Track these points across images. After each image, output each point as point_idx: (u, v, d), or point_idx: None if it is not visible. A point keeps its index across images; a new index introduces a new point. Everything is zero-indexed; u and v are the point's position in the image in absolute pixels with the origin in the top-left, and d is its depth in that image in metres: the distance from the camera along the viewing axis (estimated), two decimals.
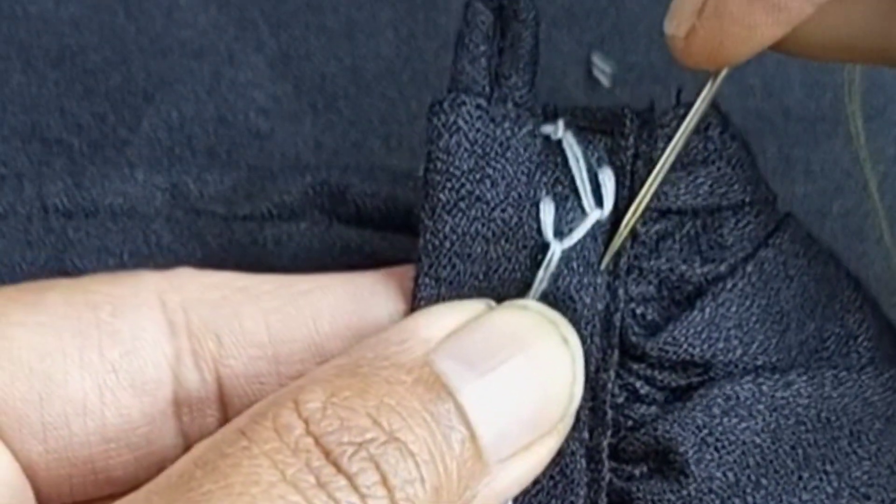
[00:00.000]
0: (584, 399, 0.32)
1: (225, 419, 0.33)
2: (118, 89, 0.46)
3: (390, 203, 0.39)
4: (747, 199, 0.33)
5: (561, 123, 0.33)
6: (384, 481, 0.28)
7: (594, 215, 0.32)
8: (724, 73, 0.33)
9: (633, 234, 0.33)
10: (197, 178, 0.42)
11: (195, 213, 0.41)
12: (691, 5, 0.33)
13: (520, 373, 0.30)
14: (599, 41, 0.47)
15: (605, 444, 0.33)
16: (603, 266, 0.32)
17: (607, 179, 0.33)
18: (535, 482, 0.32)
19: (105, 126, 0.45)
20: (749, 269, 0.33)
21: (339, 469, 0.28)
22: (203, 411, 0.33)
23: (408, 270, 0.33)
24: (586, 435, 0.33)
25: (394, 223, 0.39)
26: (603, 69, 0.46)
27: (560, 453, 0.32)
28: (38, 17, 0.47)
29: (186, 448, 0.32)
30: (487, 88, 0.33)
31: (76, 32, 0.46)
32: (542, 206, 0.32)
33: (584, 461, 0.33)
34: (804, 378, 0.32)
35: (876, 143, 0.46)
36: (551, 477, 0.32)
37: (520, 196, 0.32)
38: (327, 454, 0.28)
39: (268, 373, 0.32)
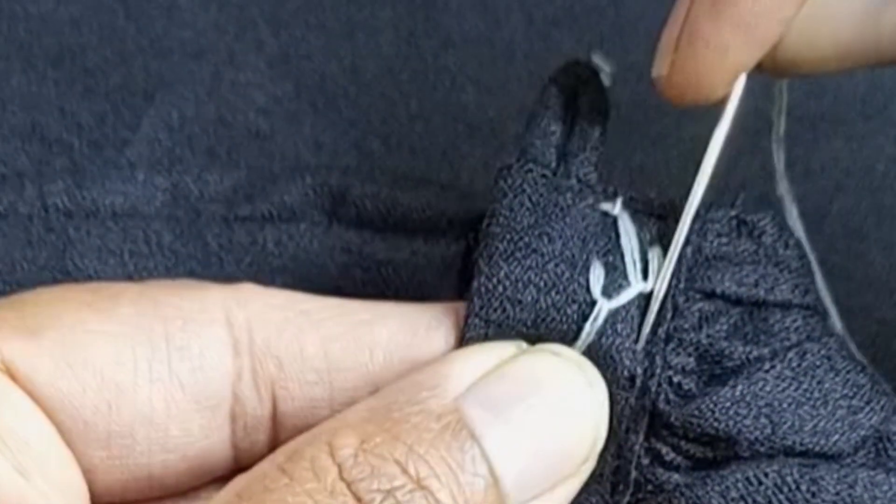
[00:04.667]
0: (610, 456, 0.33)
1: (275, 437, 0.34)
2: (118, 89, 0.46)
3: (390, 204, 0.39)
4: (794, 301, 0.34)
5: (619, 202, 0.35)
6: None
7: (639, 286, 0.34)
8: (719, 140, 0.35)
9: (675, 307, 0.34)
10: (197, 178, 0.42)
11: (195, 213, 0.41)
12: (668, 40, 0.34)
13: (545, 418, 0.31)
14: (599, 41, 0.47)
15: (624, 502, 0.33)
16: (643, 336, 0.34)
17: (655, 258, 0.34)
18: None
19: (105, 126, 0.45)
20: (791, 354, 0.34)
21: None
22: (256, 428, 0.34)
23: (463, 307, 0.34)
24: (608, 490, 0.33)
25: (394, 224, 0.39)
26: (603, 69, 0.46)
27: None
28: (38, 17, 0.47)
29: (235, 460, 0.34)
30: (554, 163, 0.35)
31: (76, 32, 0.46)
32: (592, 268, 0.34)
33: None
34: (834, 475, 0.33)
35: (876, 143, 0.46)
36: None
37: (573, 256, 0.34)
38: (359, 500, 0.29)
39: (321, 398, 0.33)
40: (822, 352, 0.34)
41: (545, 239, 0.34)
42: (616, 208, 0.35)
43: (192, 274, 0.40)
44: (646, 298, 0.34)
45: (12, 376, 0.32)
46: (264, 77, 0.46)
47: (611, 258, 0.34)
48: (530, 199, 0.34)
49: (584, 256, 0.34)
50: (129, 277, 0.40)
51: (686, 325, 0.34)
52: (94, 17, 0.47)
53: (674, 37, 0.34)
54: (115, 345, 0.32)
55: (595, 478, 0.33)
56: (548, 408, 0.31)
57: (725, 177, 0.46)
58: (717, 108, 0.47)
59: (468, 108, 0.47)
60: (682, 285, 0.34)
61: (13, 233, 0.40)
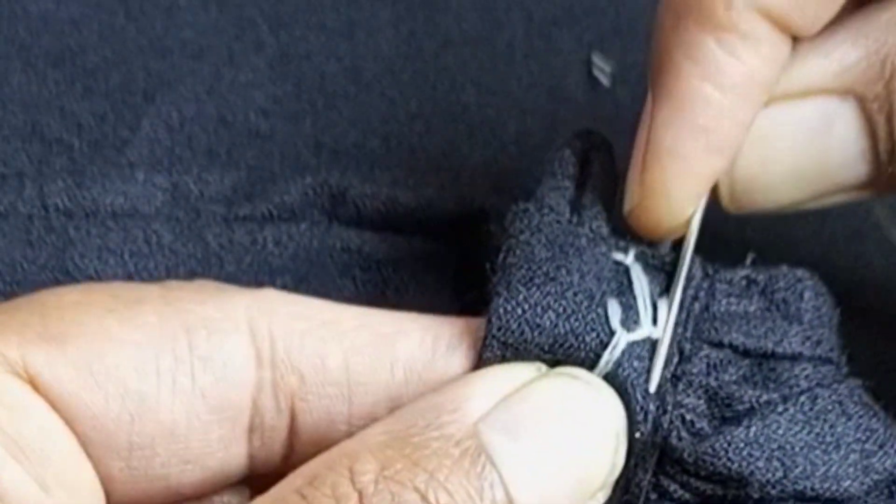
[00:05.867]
0: (619, 490, 0.33)
1: (291, 447, 0.34)
2: (118, 89, 0.46)
3: (390, 204, 0.39)
4: (805, 353, 0.35)
5: (632, 254, 0.35)
6: None
7: (650, 329, 0.34)
8: (696, 220, 0.35)
9: (682, 352, 0.34)
10: (197, 178, 0.42)
11: (195, 213, 0.41)
12: (635, 168, 0.35)
13: (563, 444, 0.31)
14: (599, 41, 0.47)
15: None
16: (653, 378, 0.34)
17: (663, 308, 0.34)
18: None
19: (105, 126, 0.45)
20: (802, 399, 0.34)
21: None
22: (273, 438, 0.34)
23: (483, 325, 0.34)
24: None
25: (393, 224, 0.39)
26: (603, 69, 0.46)
27: None
28: (38, 17, 0.47)
29: (250, 467, 0.34)
30: (567, 214, 0.35)
31: (76, 32, 0.46)
32: (610, 303, 0.34)
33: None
34: None
35: None
36: None
37: (591, 289, 0.34)
38: None
39: (340, 412, 0.33)
40: (833, 397, 0.34)
41: (563, 270, 0.34)
42: (629, 259, 0.35)
43: (192, 274, 0.40)
44: (654, 346, 0.34)
45: (34, 385, 0.31)
46: (264, 77, 0.46)
47: (624, 299, 0.34)
48: (547, 238, 0.34)
49: (601, 291, 0.34)
50: (129, 277, 0.40)
51: (694, 370, 0.34)
52: (94, 17, 0.47)
53: (640, 162, 0.35)
54: (138, 354, 0.32)
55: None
56: (567, 434, 0.32)
57: None
58: None
59: (468, 108, 0.47)
60: (688, 334, 0.34)
61: (13, 232, 0.40)
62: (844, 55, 0.34)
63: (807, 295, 0.35)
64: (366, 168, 0.45)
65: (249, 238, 0.40)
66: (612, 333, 0.33)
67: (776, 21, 0.33)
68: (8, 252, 0.40)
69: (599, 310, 0.33)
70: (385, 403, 0.33)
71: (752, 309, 0.35)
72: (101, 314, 0.32)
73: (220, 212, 0.41)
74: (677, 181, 0.34)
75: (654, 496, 0.34)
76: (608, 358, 0.33)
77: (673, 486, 0.34)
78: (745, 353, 0.35)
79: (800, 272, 0.36)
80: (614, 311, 0.34)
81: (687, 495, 0.34)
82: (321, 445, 0.32)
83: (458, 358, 0.34)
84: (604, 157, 0.36)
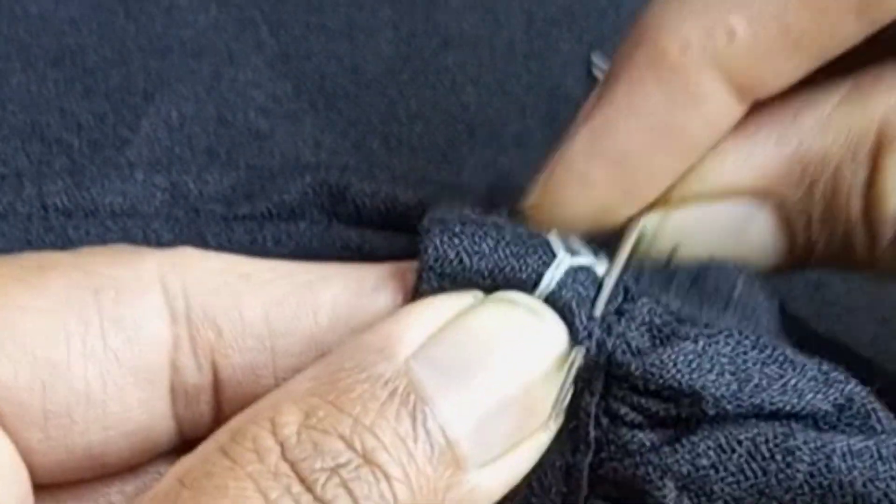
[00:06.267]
0: (566, 418, 0.32)
1: (218, 407, 0.33)
2: (118, 89, 0.46)
3: (390, 203, 0.39)
4: (744, 271, 0.34)
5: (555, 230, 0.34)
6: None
7: (592, 259, 0.33)
8: (637, 230, 0.33)
9: (626, 290, 0.33)
10: (197, 177, 0.42)
11: (195, 213, 0.41)
12: (553, 158, 0.33)
13: (501, 375, 0.30)
14: (599, 41, 0.47)
15: (585, 464, 0.32)
16: (598, 304, 0.32)
17: (602, 261, 0.33)
18: (515, 491, 0.31)
19: (105, 126, 0.45)
20: (748, 322, 0.33)
21: (314, 496, 0.28)
22: (197, 398, 0.32)
23: (412, 267, 0.33)
24: (568, 453, 0.32)
25: (393, 223, 0.39)
26: (602, 68, 0.46)
27: (540, 465, 0.31)
28: (38, 17, 0.47)
29: (179, 433, 0.33)
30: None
31: (76, 32, 0.46)
32: (551, 233, 0.33)
33: (562, 478, 0.32)
34: (810, 445, 0.31)
35: None
36: (529, 486, 0.32)
37: (530, 234, 0.33)
38: (303, 480, 0.28)
39: (264, 364, 0.32)
40: (781, 312, 0.33)
41: (494, 216, 0.33)
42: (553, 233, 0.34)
43: None
44: (596, 276, 0.33)
45: None
46: (264, 77, 0.46)
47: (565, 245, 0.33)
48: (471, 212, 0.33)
49: (542, 232, 0.33)
50: None
51: (640, 292, 0.33)
52: (94, 17, 0.47)
53: (552, 164, 0.33)
54: (46, 321, 0.31)
55: (556, 438, 0.31)
56: (504, 364, 0.30)
57: None
58: None
59: (468, 108, 0.47)
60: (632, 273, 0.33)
61: (13, 232, 0.40)
62: (766, 158, 0.33)
63: (740, 282, 0.34)
64: (365, 168, 0.45)
65: (249, 237, 0.40)
66: (554, 256, 0.32)
67: (733, 80, 0.31)
68: (7, 252, 0.40)
69: (540, 238, 0.32)
70: (311, 353, 0.32)
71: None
72: (5, 283, 0.31)
73: (219, 211, 0.41)
74: (575, 203, 0.33)
75: (605, 421, 0.32)
76: (551, 277, 0.32)
77: (623, 409, 0.32)
78: (690, 272, 0.33)
79: (742, 268, 0.34)
80: (555, 240, 0.32)
81: (639, 418, 0.32)
82: (249, 403, 0.30)
83: (386, 299, 0.32)
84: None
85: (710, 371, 0.31)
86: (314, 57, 0.47)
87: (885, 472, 0.31)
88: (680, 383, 0.31)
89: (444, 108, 0.47)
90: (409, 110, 0.46)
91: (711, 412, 0.31)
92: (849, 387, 0.32)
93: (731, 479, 0.31)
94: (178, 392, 0.32)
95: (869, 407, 0.32)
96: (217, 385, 0.32)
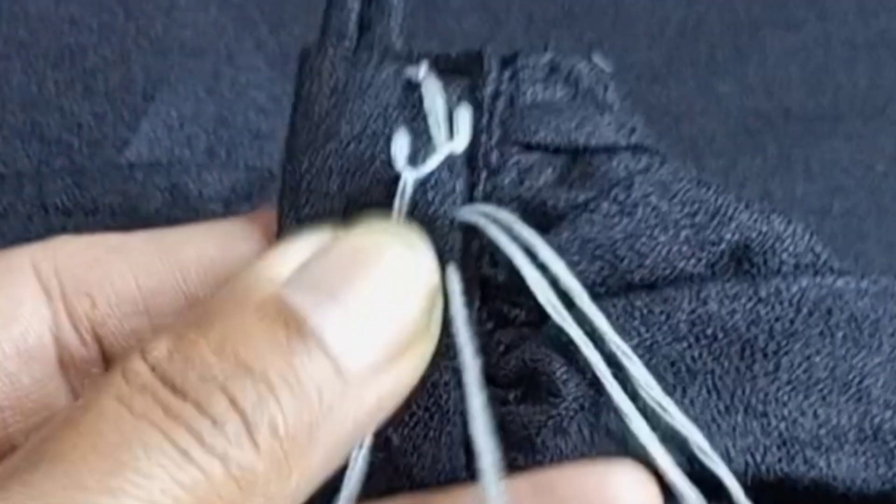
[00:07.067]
0: (449, 330, 0.31)
1: None
2: (118, 89, 0.46)
3: None
4: (620, 143, 0.32)
5: (423, 66, 0.33)
6: (234, 405, 0.27)
7: (446, 148, 0.32)
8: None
9: (490, 164, 0.32)
10: (197, 178, 0.42)
11: (194, 213, 0.41)
12: None
13: (371, 287, 0.29)
14: (599, 40, 0.47)
15: (475, 366, 0.31)
16: (457, 198, 0.32)
17: (462, 115, 0.32)
18: (411, 415, 0.31)
19: (105, 126, 0.45)
20: (616, 191, 0.31)
21: (186, 397, 0.27)
22: (89, 370, 0.33)
23: (274, 214, 0.33)
24: (456, 363, 0.31)
25: None
26: (603, 69, 0.46)
27: (432, 384, 0.31)
28: (38, 17, 0.47)
29: None
30: (355, 35, 0.34)
31: (76, 32, 0.46)
32: (394, 139, 0.32)
33: (456, 389, 0.31)
34: (686, 293, 0.31)
35: (876, 143, 0.46)
36: (426, 409, 0.31)
37: (374, 133, 0.32)
38: (174, 388, 0.28)
39: (143, 328, 0.32)
40: (653, 179, 0.32)
41: (343, 121, 0.32)
42: (421, 73, 0.33)
43: None
44: (465, 158, 0.32)
45: None
46: (264, 77, 0.46)
47: (417, 125, 0.32)
48: (328, 82, 0.33)
49: (388, 130, 0.32)
50: None
51: (506, 181, 0.32)
52: (94, 16, 0.47)
53: None
54: None
55: (442, 352, 0.31)
56: (373, 278, 0.30)
57: (726, 175, 0.46)
58: (715, 110, 0.47)
59: None
60: (494, 140, 0.32)
61: (12, 232, 0.40)
62: None
63: (610, 86, 0.33)
64: None
65: None
66: (396, 178, 0.31)
67: None
68: None
69: (384, 155, 0.32)
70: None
71: (557, 97, 0.33)
72: None
73: (219, 211, 0.41)
74: None
75: (490, 326, 0.32)
76: (398, 204, 0.31)
77: (505, 307, 0.32)
78: (557, 151, 0.32)
79: (600, 63, 0.34)
80: (401, 147, 0.32)
81: (522, 314, 0.32)
82: None
83: (252, 248, 0.32)
84: None
85: (579, 262, 0.31)
86: None
87: (767, 314, 0.31)
88: (553, 277, 0.31)
89: None
90: None
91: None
92: (721, 235, 0.31)
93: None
94: (69, 368, 0.33)
95: (739, 254, 0.31)
96: (105, 354, 0.33)
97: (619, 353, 0.30)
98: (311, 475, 0.29)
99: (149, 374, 0.28)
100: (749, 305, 0.31)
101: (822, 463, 0.31)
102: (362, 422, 0.29)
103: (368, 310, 0.29)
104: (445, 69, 0.33)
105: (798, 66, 0.47)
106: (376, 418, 0.30)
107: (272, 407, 0.28)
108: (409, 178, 0.32)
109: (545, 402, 0.31)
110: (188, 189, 0.41)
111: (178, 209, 0.41)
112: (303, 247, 0.30)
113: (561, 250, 0.31)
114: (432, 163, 0.32)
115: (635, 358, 0.30)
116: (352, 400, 0.29)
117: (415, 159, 0.32)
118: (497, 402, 0.31)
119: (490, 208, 0.32)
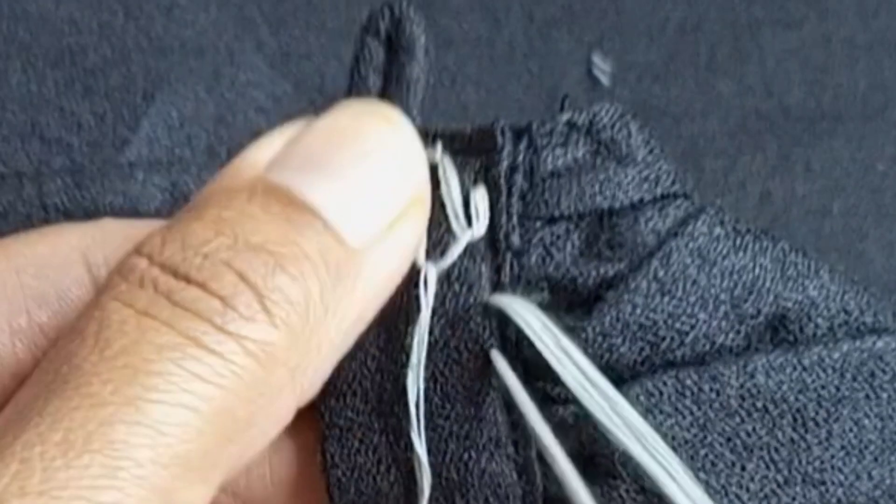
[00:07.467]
0: (502, 416, 0.31)
1: None
2: (118, 89, 0.46)
3: None
4: (646, 197, 0.32)
5: (439, 147, 0.32)
6: (243, 278, 0.27)
7: (465, 237, 0.32)
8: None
9: (512, 245, 0.32)
10: (197, 177, 0.42)
11: None
12: None
13: (355, 157, 0.29)
14: (599, 40, 0.47)
15: (532, 455, 0.31)
16: (484, 286, 0.32)
17: (479, 199, 0.32)
18: (467, 501, 0.31)
19: (105, 126, 0.45)
20: (655, 264, 0.31)
21: (189, 280, 0.26)
22: None
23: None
24: (511, 450, 0.32)
25: None
26: (603, 68, 0.46)
27: (490, 474, 0.31)
28: (38, 17, 0.47)
29: None
30: None
31: (76, 32, 0.46)
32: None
33: (514, 475, 0.32)
34: (732, 368, 0.31)
35: (876, 143, 0.46)
36: (479, 490, 0.31)
37: None
38: (176, 274, 0.27)
39: None
40: (690, 245, 0.31)
41: None
42: (437, 154, 0.32)
43: None
44: (487, 241, 0.32)
45: None
46: (264, 77, 0.46)
47: (434, 213, 0.32)
48: None
49: None
50: None
51: (532, 261, 0.32)
52: (93, 16, 0.47)
53: None
54: None
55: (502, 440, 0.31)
56: (356, 149, 0.29)
57: (725, 176, 0.46)
58: (715, 110, 0.47)
59: (468, 108, 0.47)
60: (514, 219, 0.32)
61: (12, 232, 0.40)
62: None
63: (633, 129, 0.33)
64: None
65: None
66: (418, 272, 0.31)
67: None
68: None
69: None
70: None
71: (579, 155, 0.32)
72: None
73: None
74: None
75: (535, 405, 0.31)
76: (424, 298, 0.31)
77: (549, 387, 0.31)
78: (581, 217, 0.32)
79: (621, 107, 0.33)
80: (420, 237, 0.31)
81: (566, 391, 0.31)
82: None
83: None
84: (407, 32, 0.33)
85: (621, 345, 0.31)
86: (314, 57, 0.47)
87: (813, 382, 0.31)
88: (594, 363, 0.31)
89: (444, 108, 0.47)
90: None
91: (627, 376, 0.31)
92: (758, 308, 0.31)
93: (668, 421, 0.31)
94: None
95: (776, 324, 0.32)
96: None
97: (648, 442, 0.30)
98: (330, 344, 0.28)
99: (146, 265, 0.27)
100: (795, 375, 0.31)
101: None
102: (373, 289, 0.29)
103: (357, 179, 0.29)
104: (460, 149, 0.32)
105: (798, 65, 0.47)
106: (386, 287, 0.30)
107: (281, 276, 0.27)
108: (431, 271, 0.31)
109: (605, 484, 0.31)
110: (188, 189, 0.41)
111: (178, 209, 0.41)
112: (278, 136, 0.30)
113: (603, 335, 0.31)
114: (453, 253, 0.31)
115: (661, 445, 0.30)
116: (358, 266, 0.28)
117: (435, 249, 0.31)
118: (555, 483, 0.31)
119: (516, 301, 0.31)
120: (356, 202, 0.29)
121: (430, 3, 0.48)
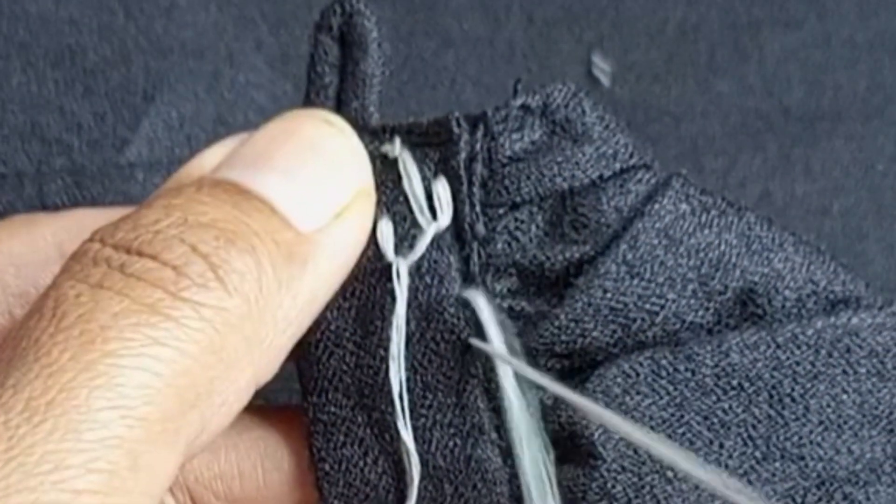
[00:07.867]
0: (483, 403, 0.32)
1: None
2: (118, 89, 0.46)
3: None
4: (605, 173, 0.32)
5: (398, 142, 0.33)
6: (194, 249, 0.27)
7: (431, 229, 0.32)
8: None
9: (478, 234, 0.32)
10: None
11: None
12: None
13: (298, 151, 0.30)
14: (599, 40, 0.47)
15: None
16: (452, 276, 0.32)
17: (441, 190, 0.32)
18: (461, 478, 0.32)
19: (105, 126, 0.45)
20: (623, 246, 0.31)
21: (142, 254, 0.27)
22: None
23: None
24: (495, 436, 0.32)
25: None
26: (603, 68, 0.46)
27: (476, 459, 0.32)
28: (38, 17, 0.47)
29: None
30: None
31: (76, 32, 0.46)
32: (378, 227, 0.32)
33: (500, 459, 0.32)
34: (707, 348, 0.31)
35: (876, 143, 0.46)
36: (467, 476, 0.32)
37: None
38: (129, 251, 0.27)
39: None
40: (657, 225, 0.32)
41: None
42: (396, 149, 0.32)
43: None
44: (453, 231, 0.32)
45: None
46: (264, 77, 0.46)
47: (398, 208, 0.32)
48: None
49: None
50: None
51: (499, 247, 0.32)
52: (94, 16, 0.47)
53: None
54: None
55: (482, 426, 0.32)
56: (299, 146, 0.30)
57: (725, 176, 0.46)
58: (715, 110, 0.47)
59: (468, 108, 0.47)
60: (478, 207, 0.32)
61: None
62: None
63: (587, 107, 0.33)
64: None
65: None
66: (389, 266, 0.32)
67: None
68: None
69: (373, 245, 0.32)
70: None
71: (536, 138, 0.32)
72: None
73: None
74: None
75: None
76: (399, 293, 0.31)
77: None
78: (543, 200, 0.32)
79: (573, 86, 0.33)
80: (387, 233, 0.32)
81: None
82: None
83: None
84: (361, 28, 0.34)
85: (593, 329, 0.31)
86: None
87: (787, 359, 0.31)
88: (568, 348, 0.31)
89: (444, 108, 0.47)
90: (409, 110, 0.46)
91: (600, 358, 0.31)
92: (726, 283, 0.31)
93: (646, 401, 0.31)
94: None
95: (745, 298, 0.32)
96: None
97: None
98: (286, 320, 0.28)
99: (99, 246, 0.27)
100: (769, 352, 0.31)
101: (860, 497, 0.31)
102: (325, 272, 0.30)
103: (301, 172, 0.30)
104: (418, 142, 0.33)
105: (798, 65, 0.47)
106: (338, 272, 0.30)
107: (231, 249, 0.27)
108: (402, 265, 0.32)
109: (587, 465, 0.31)
110: None
111: None
112: (221, 147, 0.31)
113: (575, 321, 0.31)
114: (421, 246, 0.32)
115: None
116: (309, 249, 0.29)
117: (402, 243, 0.32)
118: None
119: (479, 297, 0.32)
120: (302, 192, 0.29)
121: (430, 3, 0.48)
